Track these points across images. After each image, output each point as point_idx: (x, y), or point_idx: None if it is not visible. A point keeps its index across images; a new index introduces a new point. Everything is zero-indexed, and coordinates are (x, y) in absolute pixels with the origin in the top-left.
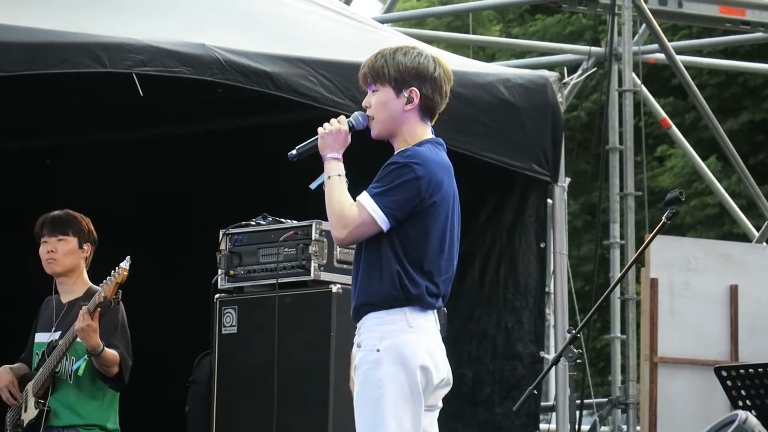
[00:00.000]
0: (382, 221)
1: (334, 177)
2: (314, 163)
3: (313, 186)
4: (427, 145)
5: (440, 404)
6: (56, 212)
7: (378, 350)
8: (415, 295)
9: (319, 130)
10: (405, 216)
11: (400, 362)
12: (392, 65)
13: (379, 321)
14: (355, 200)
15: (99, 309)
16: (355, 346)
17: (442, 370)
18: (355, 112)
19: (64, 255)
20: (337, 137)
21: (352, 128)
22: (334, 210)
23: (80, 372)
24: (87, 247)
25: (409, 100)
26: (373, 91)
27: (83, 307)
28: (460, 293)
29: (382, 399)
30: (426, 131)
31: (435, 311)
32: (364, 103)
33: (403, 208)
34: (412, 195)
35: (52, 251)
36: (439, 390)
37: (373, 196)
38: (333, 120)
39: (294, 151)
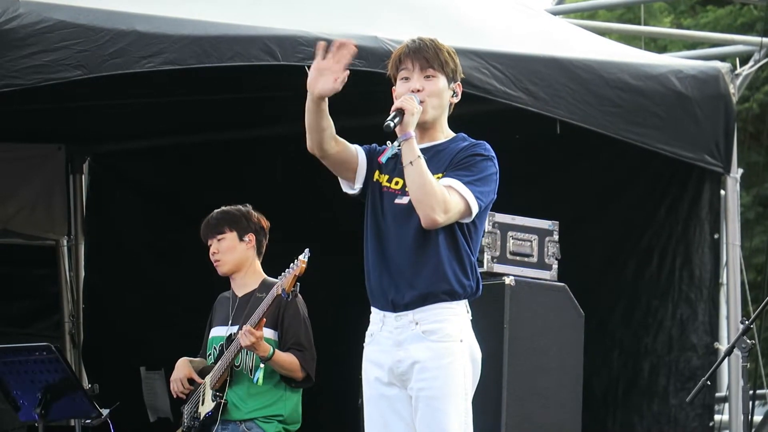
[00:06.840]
0: (475, 212)
1: (422, 158)
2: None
3: (383, 159)
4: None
5: None
6: (212, 213)
7: (461, 341)
8: (478, 289)
9: (407, 107)
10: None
11: (472, 357)
12: (451, 59)
13: (453, 312)
14: None
15: (264, 320)
16: (413, 330)
17: None
18: (412, 94)
19: (226, 253)
20: (418, 118)
21: None
22: (436, 192)
23: (260, 382)
24: (249, 237)
25: (454, 94)
26: (427, 77)
27: (245, 325)
28: (641, 286)
29: (467, 390)
30: None
31: None
32: (415, 86)
33: (487, 201)
34: (494, 189)
35: (215, 252)
36: None
37: (466, 184)
38: (409, 99)
39: (391, 124)
